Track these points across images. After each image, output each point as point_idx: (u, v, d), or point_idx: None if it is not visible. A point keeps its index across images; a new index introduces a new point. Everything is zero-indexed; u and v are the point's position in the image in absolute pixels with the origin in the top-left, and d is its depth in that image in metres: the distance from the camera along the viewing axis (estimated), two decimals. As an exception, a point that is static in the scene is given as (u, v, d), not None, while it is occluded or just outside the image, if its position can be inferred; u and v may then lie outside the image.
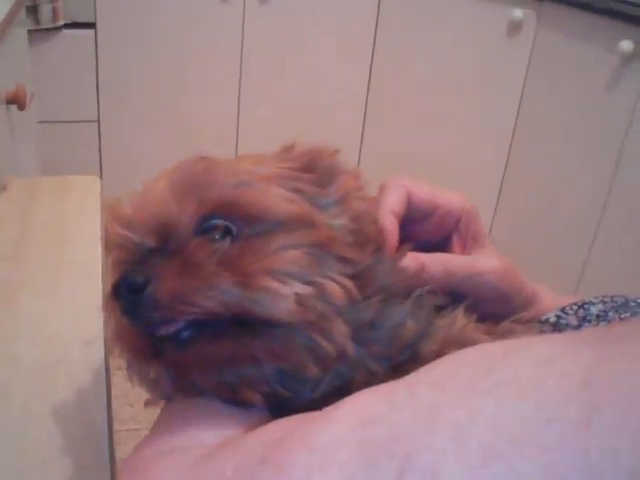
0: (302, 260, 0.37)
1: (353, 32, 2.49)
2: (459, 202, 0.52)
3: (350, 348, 0.37)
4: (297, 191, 0.40)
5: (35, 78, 1.69)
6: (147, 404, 0.42)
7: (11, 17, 1.25)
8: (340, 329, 0.37)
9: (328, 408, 0.30)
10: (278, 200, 0.39)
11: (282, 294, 0.36)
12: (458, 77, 2.40)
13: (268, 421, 0.35)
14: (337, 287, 0.37)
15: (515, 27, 2.23)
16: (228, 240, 0.38)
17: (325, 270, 0.37)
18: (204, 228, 0.38)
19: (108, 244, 0.41)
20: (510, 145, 2.33)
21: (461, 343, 0.40)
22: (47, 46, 2.19)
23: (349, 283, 0.38)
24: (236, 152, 2.50)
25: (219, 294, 0.36)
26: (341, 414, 0.28)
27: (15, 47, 1.41)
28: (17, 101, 1.21)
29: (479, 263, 0.50)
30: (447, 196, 0.52)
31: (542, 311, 0.54)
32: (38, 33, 2.07)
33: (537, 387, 0.23)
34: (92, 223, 0.79)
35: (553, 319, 0.54)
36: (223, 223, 0.38)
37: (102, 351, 0.60)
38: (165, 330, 0.36)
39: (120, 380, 0.61)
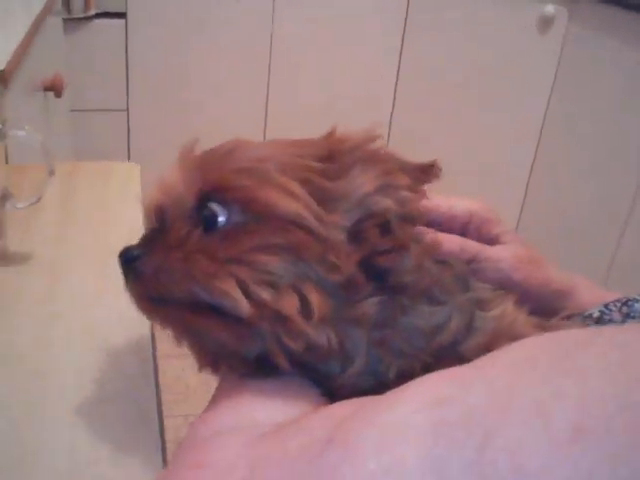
0: (274, 263, 0.37)
1: (382, 26, 2.48)
2: (465, 207, 0.52)
3: (332, 343, 0.37)
4: (305, 181, 0.39)
5: (66, 67, 1.70)
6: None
7: (49, 6, 1.26)
8: (305, 326, 0.37)
9: (392, 391, 0.30)
10: (277, 193, 0.38)
11: (239, 300, 0.37)
12: (488, 73, 2.38)
13: (323, 404, 0.36)
14: (311, 295, 0.37)
15: (546, 23, 2.21)
16: (215, 226, 0.39)
17: (300, 276, 0.37)
18: (201, 211, 0.40)
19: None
20: (538, 141, 2.31)
21: (512, 336, 0.40)
22: (78, 35, 2.20)
23: (316, 297, 0.37)
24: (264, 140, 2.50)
25: (184, 282, 0.38)
26: (408, 396, 0.29)
27: (52, 36, 1.43)
28: (54, 88, 1.23)
29: (491, 250, 0.51)
30: (452, 202, 0.52)
31: (582, 305, 0.54)
32: (69, 22, 2.09)
33: (622, 370, 0.23)
34: (133, 208, 0.80)
35: (597, 314, 0.54)
36: (217, 207, 0.39)
37: (148, 335, 0.60)
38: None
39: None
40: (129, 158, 2.42)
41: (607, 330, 0.28)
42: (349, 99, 2.50)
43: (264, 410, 0.37)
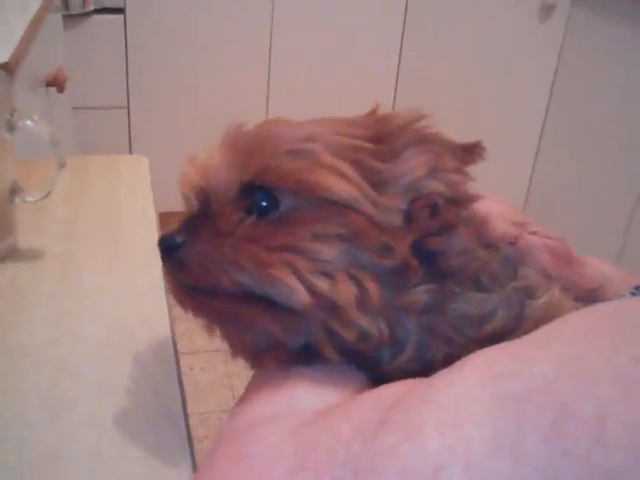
0: (330, 251, 0.36)
1: (383, 15, 2.46)
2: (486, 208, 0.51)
3: (385, 333, 0.36)
4: (357, 163, 0.37)
5: (65, 64, 1.69)
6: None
7: (49, 2, 1.24)
8: (359, 316, 0.36)
9: (445, 370, 0.29)
10: (330, 176, 0.37)
11: (296, 290, 0.35)
12: (490, 61, 2.37)
13: (367, 389, 0.34)
14: (368, 284, 0.36)
15: (547, 10, 2.20)
16: (267, 211, 0.37)
17: (354, 263, 0.36)
18: (247, 195, 0.38)
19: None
20: (542, 130, 2.30)
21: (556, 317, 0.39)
22: (76, 32, 2.18)
23: (372, 285, 0.36)
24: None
25: (235, 272, 0.36)
26: (466, 372, 0.28)
27: (52, 32, 1.41)
28: (57, 84, 1.22)
29: (531, 238, 0.50)
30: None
31: (616, 292, 0.53)
32: (68, 19, 2.07)
33: None
34: (144, 201, 0.78)
35: (628, 296, 0.53)
36: (268, 193, 0.37)
37: (168, 328, 0.59)
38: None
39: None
40: (130, 154, 2.40)
41: None
42: (351, 85, 2.48)
43: (307, 397, 0.36)
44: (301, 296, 0.35)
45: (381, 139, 0.39)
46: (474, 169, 0.42)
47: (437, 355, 0.37)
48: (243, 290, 0.37)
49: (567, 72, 2.19)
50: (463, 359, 0.29)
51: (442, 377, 0.29)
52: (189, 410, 1.60)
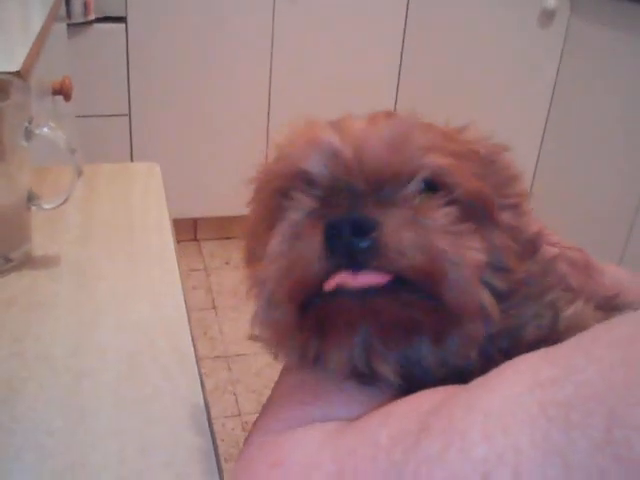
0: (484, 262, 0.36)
1: (383, 23, 2.47)
2: None
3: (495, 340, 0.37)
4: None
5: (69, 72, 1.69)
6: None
7: (55, 11, 1.25)
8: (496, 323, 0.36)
9: (485, 376, 0.29)
10: (484, 187, 0.37)
11: (478, 298, 0.35)
12: (491, 68, 2.38)
13: (398, 398, 0.34)
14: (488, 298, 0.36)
15: (548, 16, 2.21)
16: (451, 209, 0.36)
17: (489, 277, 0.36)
18: (416, 187, 0.36)
19: (275, 172, 0.39)
20: (543, 135, 2.31)
21: (581, 329, 0.39)
22: (78, 40, 2.19)
23: (491, 299, 0.36)
24: (267, 144, 2.50)
25: (437, 259, 0.34)
26: (507, 379, 0.28)
27: (58, 41, 1.41)
28: (63, 92, 1.21)
29: (562, 242, 0.50)
30: None
31: (635, 298, 0.54)
32: (70, 28, 2.07)
33: None
34: (158, 208, 0.79)
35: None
36: (444, 190, 0.36)
37: (188, 334, 0.59)
38: (363, 280, 0.33)
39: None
40: (132, 162, 2.40)
41: None
42: (352, 91, 2.49)
43: (342, 404, 0.36)
44: (486, 300, 0.35)
45: (491, 165, 0.41)
46: None
47: (474, 366, 0.37)
48: (427, 280, 0.34)
49: (568, 77, 2.20)
50: (502, 366, 0.29)
51: (482, 384, 0.29)
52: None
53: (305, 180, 0.37)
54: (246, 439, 0.38)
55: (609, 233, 2.06)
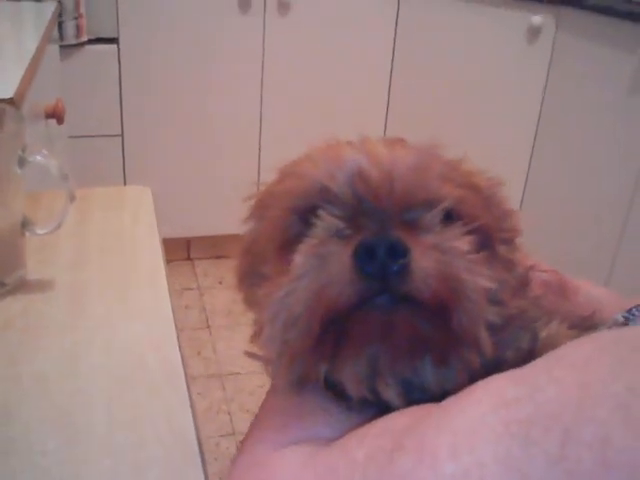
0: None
1: (372, 40, 2.51)
2: None
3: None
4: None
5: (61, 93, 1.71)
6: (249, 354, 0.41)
7: (48, 34, 1.26)
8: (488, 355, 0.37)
9: (455, 396, 0.31)
10: (489, 219, 0.40)
11: (484, 323, 0.36)
12: (479, 85, 2.41)
13: (378, 417, 0.36)
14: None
15: (534, 33, 2.24)
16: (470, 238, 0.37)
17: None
18: (439, 215, 0.37)
19: (297, 191, 0.39)
20: (532, 151, 2.33)
21: (553, 348, 0.40)
22: (71, 62, 2.21)
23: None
24: (259, 163, 2.52)
25: (457, 285, 0.35)
26: (475, 399, 0.29)
27: (51, 64, 1.43)
28: (56, 115, 1.23)
29: (537, 266, 0.52)
30: None
31: (609, 315, 0.55)
32: (62, 49, 2.09)
33: None
34: (149, 231, 0.80)
35: (621, 320, 0.54)
36: (455, 219, 0.37)
37: (178, 356, 0.60)
38: (385, 300, 0.34)
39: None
40: (125, 182, 2.42)
41: None
42: (342, 111, 2.52)
43: (326, 424, 0.37)
44: (485, 332, 0.36)
45: (490, 200, 0.42)
46: None
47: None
48: (447, 302, 0.35)
49: (555, 91, 2.23)
50: (472, 386, 0.30)
51: (453, 403, 0.30)
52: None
53: (327, 199, 0.37)
54: (234, 460, 0.39)
55: (598, 246, 2.08)
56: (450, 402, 0.30)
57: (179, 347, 0.61)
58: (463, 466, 0.27)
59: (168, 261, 2.44)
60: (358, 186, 0.37)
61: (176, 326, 0.63)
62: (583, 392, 0.25)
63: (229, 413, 1.96)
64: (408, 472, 0.28)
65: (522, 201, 2.38)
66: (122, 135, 2.38)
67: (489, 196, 0.42)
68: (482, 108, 2.41)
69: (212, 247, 2.63)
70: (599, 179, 2.08)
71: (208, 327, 2.31)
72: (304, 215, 0.38)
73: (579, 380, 0.26)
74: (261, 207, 0.43)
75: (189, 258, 2.70)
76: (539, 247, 2.29)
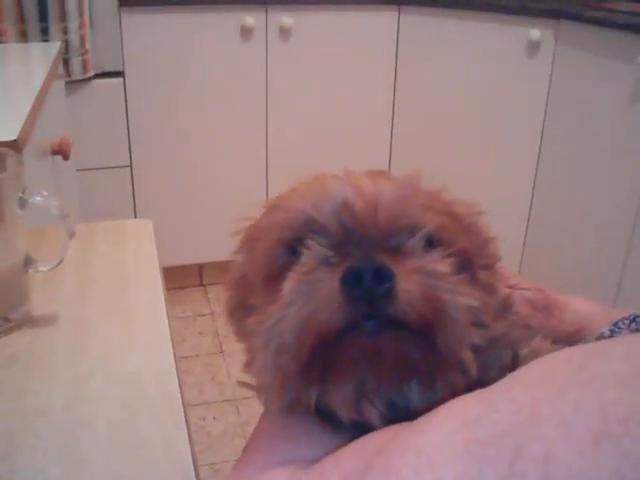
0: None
1: (374, 60, 2.54)
2: None
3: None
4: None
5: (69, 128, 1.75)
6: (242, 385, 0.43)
7: (53, 71, 1.30)
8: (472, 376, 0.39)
9: (423, 417, 0.32)
10: (468, 245, 0.42)
11: (469, 343, 0.38)
12: (481, 101, 2.43)
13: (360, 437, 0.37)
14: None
15: (533, 47, 2.26)
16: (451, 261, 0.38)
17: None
18: (420, 241, 0.39)
19: (286, 221, 0.41)
20: (537, 165, 2.34)
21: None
22: (78, 96, 2.26)
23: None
24: (267, 188, 2.54)
25: (441, 306, 0.36)
26: (441, 419, 0.30)
27: (56, 100, 1.46)
28: (62, 152, 1.26)
29: (522, 284, 0.53)
30: None
31: (597, 329, 0.55)
32: (69, 84, 2.14)
33: (635, 376, 0.25)
34: (150, 264, 0.83)
35: (607, 333, 0.55)
36: (436, 245, 0.39)
37: (177, 385, 0.62)
38: (372, 324, 0.36)
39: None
40: (135, 213, 2.46)
41: (621, 340, 0.30)
42: (348, 134, 2.55)
43: (309, 447, 0.38)
44: (468, 352, 0.38)
45: (470, 228, 0.44)
46: (473, 200, 0.46)
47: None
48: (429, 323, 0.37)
49: (557, 104, 2.24)
50: (440, 406, 0.32)
51: (420, 424, 0.31)
52: (203, 461, 1.63)
53: (313, 230, 0.39)
54: None
55: (605, 258, 2.08)
56: (418, 422, 0.32)
57: (178, 376, 0.63)
58: None
59: (181, 288, 2.47)
60: (344, 216, 0.39)
61: (175, 356, 0.65)
62: (533, 410, 0.27)
63: (244, 437, 1.97)
64: None
65: (529, 214, 2.39)
66: (131, 166, 2.42)
67: (469, 223, 0.44)
68: (485, 124, 2.43)
69: (224, 272, 2.64)
70: (604, 190, 2.09)
71: (222, 352, 2.33)
72: (291, 246, 0.40)
73: (531, 399, 0.27)
74: (249, 240, 0.44)
75: (202, 284, 2.72)
76: (546, 260, 2.30)
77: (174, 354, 0.65)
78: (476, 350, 0.38)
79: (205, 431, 1.99)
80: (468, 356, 0.38)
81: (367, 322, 0.36)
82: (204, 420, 2.03)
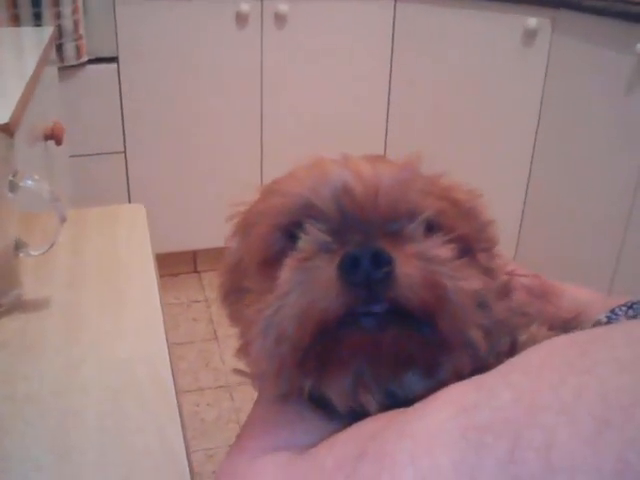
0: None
1: (370, 47, 2.53)
2: None
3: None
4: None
5: (62, 114, 1.73)
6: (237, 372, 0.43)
7: (45, 56, 1.29)
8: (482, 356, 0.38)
9: (420, 402, 0.31)
10: (468, 229, 0.41)
11: (474, 325, 0.37)
12: (477, 90, 2.42)
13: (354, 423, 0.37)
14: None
15: (530, 36, 2.25)
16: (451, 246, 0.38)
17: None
18: (420, 225, 0.39)
19: (281, 206, 0.40)
20: (532, 153, 2.34)
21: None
22: (71, 82, 2.24)
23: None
24: (261, 175, 2.54)
25: (442, 291, 0.36)
26: (437, 405, 0.30)
27: (48, 86, 1.45)
28: (54, 137, 1.25)
29: (519, 270, 0.53)
30: None
31: (594, 316, 0.55)
32: (63, 70, 2.12)
33: (637, 362, 0.25)
34: (142, 249, 0.82)
35: (604, 320, 0.55)
36: (436, 230, 0.39)
37: (169, 371, 0.62)
38: (372, 308, 0.35)
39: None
40: (129, 199, 2.44)
41: (621, 326, 0.29)
42: (343, 120, 2.54)
43: (303, 432, 0.38)
44: (479, 335, 0.38)
45: (470, 212, 0.44)
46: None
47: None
48: (433, 310, 0.36)
49: (554, 93, 2.24)
50: (437, 392, 0.31)
51: (417, 410, 0.31)
52: (196, 446, 1.63)
53: (312, 215, 0.38)
54: (219, 468, 0.41)
55: (600, 249, 2.08)
56: (415, 408, 0.31)
57: (170, 362, 0.62)
58: (422, 472, 0.27)
59: (175, 274, 2.46)
60: (343, 200, 0.38)
61: (167, 342, 0.65)
62: (533, 397, 0.26)
63: (238, 423, 1.97)
64: (371, 478, 0.29)
65: (525, 203, 2.39)
66: (125, 152, 2.41)
67: (468, 208, 0.44)
68: (481, 112, 2.42)
69: (218, 259, 2.64)
70: (599, 179, 2.09)
71: (216, 338, 2.33)
72: (288, 231, 0.39)
73: (531, 385, 0.27)
74: (244, 225, 0.44)
75: (196, 271, 2.72)
76: (542, 248, 2.30)
77: (167, 341, 0.65)
78: (483, 330, 0.38)
79: (199, 417, 1.99)
80: (477, 336, 0.37)
81: (367, 312, 0.35)
82: (198, 406, 2.03)
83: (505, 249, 0.46)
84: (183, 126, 2.44)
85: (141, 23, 2.28)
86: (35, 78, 1.15)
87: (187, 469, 0.51)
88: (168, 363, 0.62)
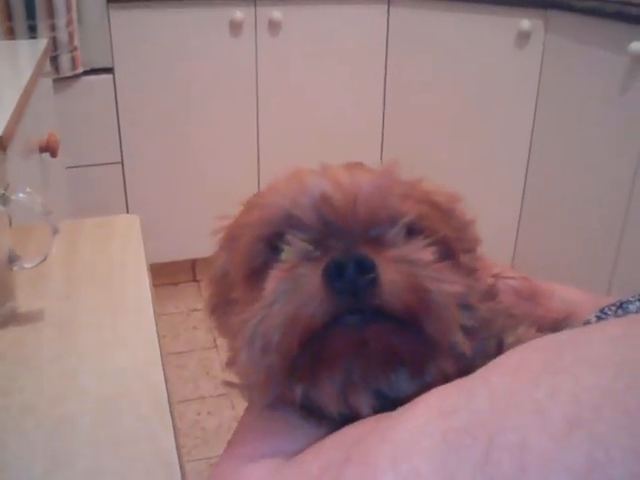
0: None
1: (364, 53, 2.53)
2: None
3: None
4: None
5: (58, 125, 1.74)
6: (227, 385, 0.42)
7: (39, 69, 1.29)
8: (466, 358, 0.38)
9: (402, 407, 0.32)
10: (449, 231, 0.41)
11: (457, 327, 0.38)
12: (472, 93, 2.42)
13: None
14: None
15: (523, 38, 2.26)
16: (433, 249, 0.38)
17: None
18: (401, 230, 0.39)
19: (266, 217, 0.40)
20: (528, 154, 2.34)
21: None
22: (68, 94, 2.25)
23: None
24: (258, 183, 2.54)
25: (426, 294, 0.36)
26: (418, 409, 0.30)
27: (43, 97, 1.46)
28: (49, 149, 1.26)
29: (506, 272, 0.53)
30: None
31: (584, 316, 0.55)
32: (58, 82, 2.13)
33: (611, 361, 0.25)
34: (136, 259, 0.82)
35: (594, 320, 0.55)
36: (417, 234, 0.39)
37: (162, 380, 0.62)
38: (357, 317, 0.36)
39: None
40: (127, 210, 2.45)
41: (602, 325, 0.29)
42: (340, 127, 2.54)
43: (290, 440, 0.38)
44: (461, 336, 0.38)
45: (450, 214, 0.44)
46: (467, 191, 0.46)
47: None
48: (415, 314, 0.37)
49: (548, 94, 2.24)
50: (420, 396, 0.31)
51: (399, 415, 0.31)
52: (198, 455, 1.63)
53: (294, 225, 0.39)
54: (209, 475, 0.41)
55: (599, 245, 2.08)
56: (398, 412, 0.31)
57: (163, 372, 0.63)
58: (402, 475, 0.27)
59: (175, 283, 2.46)
60: (323, 209, 0.38)
61: (161, 352, 0.65)
62: (509, 398, 0.26)
63: (240, 431, 1.97)
64: None
65: (522, 204, 2.39)
66: (122, 162, 2.41)
67: (447, 209, 0.44)
68: (476, 115, 2.43)
69: (217, 267, 2.64)
70: (595, 179, 2.09)
71: (216, 347, 2.33)
72: (271, 242, 0.40)
73: (508, 387, 0.27)
74: (229, 238, 0.44)
75: (195, 279, 2.72)
76: (539, 248, 2.30)
77: (160, 350, 0.65)
78: (467, 331, 0.38)
79: (200, 426, 1.99)
80: (460, 337, 0.38)
81: (352, 315, 0.36)
82: (199, 415, 2.03)
83: (503, 248, 0.46)
84: (180, 135, 2.45)
85: (136, 33, 2.29)
86: (29, 90, 1.16)
87: (180, 478, 0.51)
88: (162, 373, 0.63)
